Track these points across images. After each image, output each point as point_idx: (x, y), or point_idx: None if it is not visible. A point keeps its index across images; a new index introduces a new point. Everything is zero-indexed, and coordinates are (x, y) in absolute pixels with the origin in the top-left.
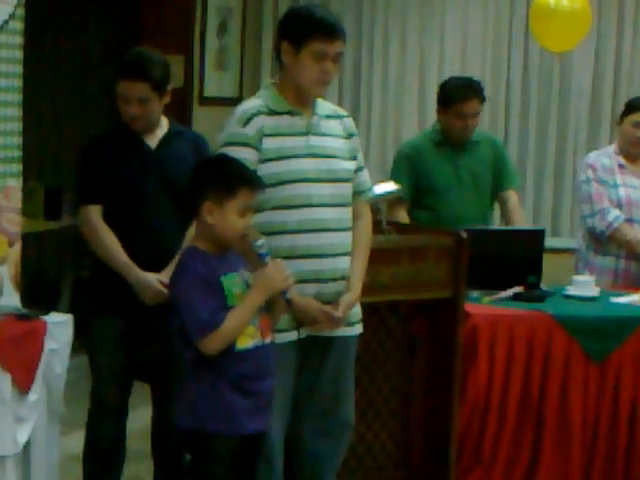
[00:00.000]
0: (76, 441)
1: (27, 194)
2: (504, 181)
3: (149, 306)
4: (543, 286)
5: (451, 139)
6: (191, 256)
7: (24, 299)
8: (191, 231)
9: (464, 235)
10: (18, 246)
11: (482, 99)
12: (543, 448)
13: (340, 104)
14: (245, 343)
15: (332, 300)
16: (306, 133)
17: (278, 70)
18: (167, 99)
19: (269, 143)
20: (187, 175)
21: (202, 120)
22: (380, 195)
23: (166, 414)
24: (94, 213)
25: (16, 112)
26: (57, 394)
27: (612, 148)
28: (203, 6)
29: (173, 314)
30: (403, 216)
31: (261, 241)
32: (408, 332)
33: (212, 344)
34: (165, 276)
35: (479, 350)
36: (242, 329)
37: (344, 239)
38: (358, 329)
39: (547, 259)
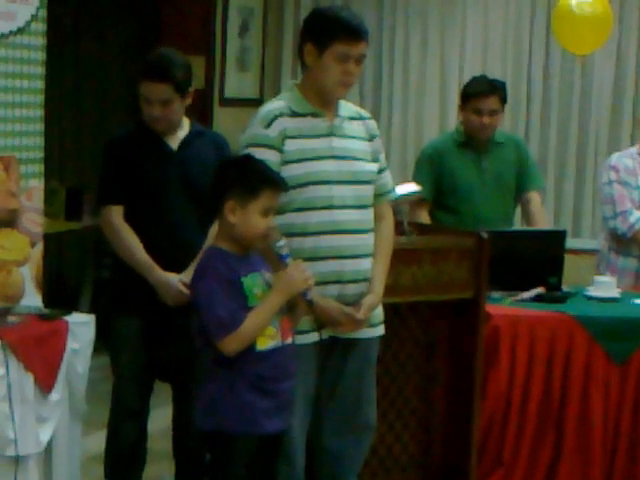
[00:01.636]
0: (98, 441)
1: (48, 195)
2: (527, 182)
3: (170, 306)
4: (564, 287)
5: (474, 140)
6: (212, 256)
7: (46, 299)
8: (213, 231)
9: (485, 236)
10: (40, 246)
11: (502, 98)
12: (564, 449)
13: (361, 105)
14: (265, 344)
15: (354, 302)
16: (328, 135)
17: (301, 71)
18: (189, 100)
19: (291, 145)
20: (208, 175)
21: (223, 121)
22: (402, 196)
23: (187, 414)
24: (115, 213)
25: (38, 113)
26: (79, 394)
27: (635, 149)
28: (224, 6)
29: (193, 314)
30: (425, 217)
31: (282, 242)
32: (429, 333)
33: (232, 344)
34: (187, 276)
35: (500, 351)
36: (262, 330)
37: (366, 241)
38: (380, 330)
39: (568, 260)
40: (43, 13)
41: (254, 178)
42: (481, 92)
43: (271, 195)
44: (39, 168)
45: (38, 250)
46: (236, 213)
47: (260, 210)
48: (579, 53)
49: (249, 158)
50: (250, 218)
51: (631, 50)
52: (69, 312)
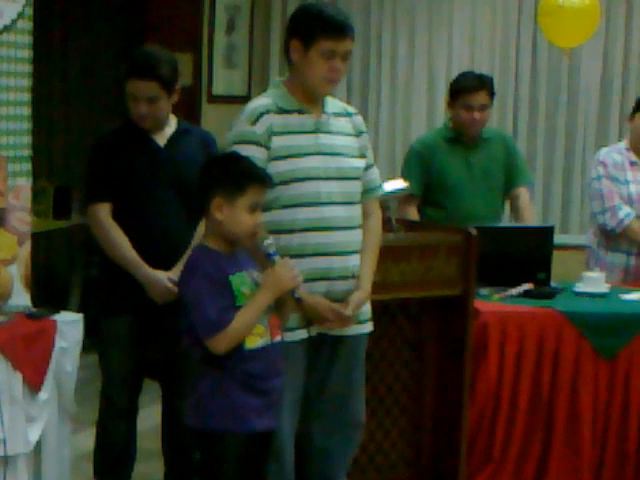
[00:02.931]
0: (87, 440)
1: (36, 193)
2: (515, 178)
3: (158, 304)
4: (553, 283)
5: (462, 135)
6: (200, 255)
7: (34, 298)
8: (201, 229)
9: (473, 232)
10: (28, 245)
11: (491, 93)
12: (554, 445)
13: (348, 102)
14: (254, 342)
15: (342, 298)
16: (315, 131)
17: (287, 68)
18: (176, 97)
19: (278, 141)
20: (196, 173)
21: (211, 118)
22: (390, 193)
23: (176, 412)
24: (103, 211)
25: (25, 111)
26: (68, 393)
27: (623, 144)
28: (211, 4)
29: (182, 313)
30: (414, 213)
31: (269, 240)
32: (418, 330)
33: (220, 343)
34: (175, 274)
35: (489, 347)
36: (251, 328)
37: (354, 237)
38: (368, 327)
39: (557, 256)
40: (30, 11)
41: (240, 174)
42: (471, 87)
43: (257, 191)
44: (27, 167)
45: (26, 249)
46: (223, 210)
47: (247, 206)
48: (565, 46)
49: (234, 155)
50: (237, 215)
51: (618, 44)
52: (57, 311)
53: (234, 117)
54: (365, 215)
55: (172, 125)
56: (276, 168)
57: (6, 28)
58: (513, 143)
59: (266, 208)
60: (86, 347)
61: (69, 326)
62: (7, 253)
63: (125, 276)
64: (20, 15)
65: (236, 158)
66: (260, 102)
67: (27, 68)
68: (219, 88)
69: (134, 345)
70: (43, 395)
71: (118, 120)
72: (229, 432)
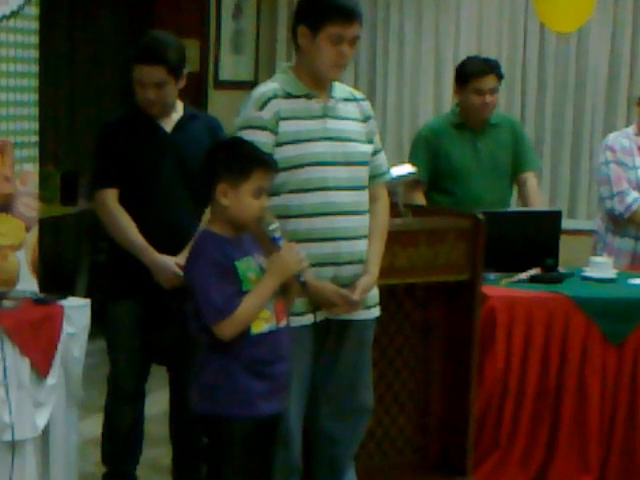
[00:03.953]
0: (94, 425)
1: (43, 179)
2: (523, 163)
3: (165, 289)
4: (560, 268)
5: (470, 121)
6: (206, 240)
7: (41, 284)
8: (207, 214)
9: (481, 217)
10: (35, 231)
11: (499, 76)
12: (561, 430)
13: (356, 87)
14: (260, 327)
15: (349, 283)
16: (322, 116)
17: (295, 53)
18: (182, 83)
19: (285, 126)
20: (202, 159)
21: (218, 104)
22: (397, 178)
23: (183, 397)
24: (110, 197)
25: (32, 97)
26: (75, 378)
27: (631, 129)
28: None
29: (188, 298)
30: (420, 199)
31: (274, 225)
32: (425, 315)
33: (227, 329)
34: (182, 259)
35: (497, 332)
36: (257, 314)
37: (361, 222)
38: (375, 312)
39: (564, 241)
40: None
41: (244, 159)
42: (480, 71)
43: (262, 175)
44: (34, 152)
45: (33, 235)
46: (228, 195)
47: (252, 191)
48: (562, 31)
49: (239, 139)
50: (242, 200)
51: (626, 30)
52: (64, 296)
53: (241, 103)
54: (372, 200)
55: (179, 111)
56: (283, 153)
57: (13, 14)
58: (521, 128)
59: (273, 193)
60: (93, 333)
61: (76, 311)
62: (14, 239)
63: (132, 261)
64: (27, 1)
65: (240, 143)
66: (267, 87)
67: (34, 54)
68: (226, 74)
69: (141, 330)
70: (50, 380)
71: (125, 106)
72: (236, 417)
